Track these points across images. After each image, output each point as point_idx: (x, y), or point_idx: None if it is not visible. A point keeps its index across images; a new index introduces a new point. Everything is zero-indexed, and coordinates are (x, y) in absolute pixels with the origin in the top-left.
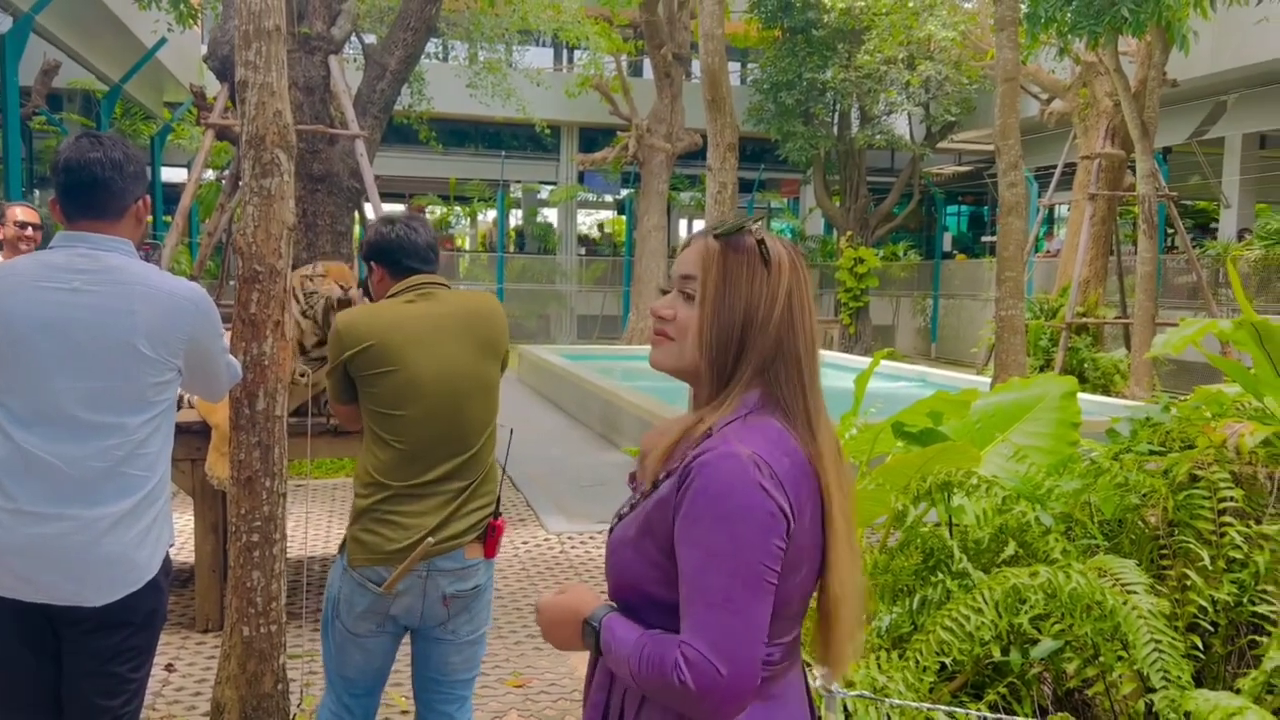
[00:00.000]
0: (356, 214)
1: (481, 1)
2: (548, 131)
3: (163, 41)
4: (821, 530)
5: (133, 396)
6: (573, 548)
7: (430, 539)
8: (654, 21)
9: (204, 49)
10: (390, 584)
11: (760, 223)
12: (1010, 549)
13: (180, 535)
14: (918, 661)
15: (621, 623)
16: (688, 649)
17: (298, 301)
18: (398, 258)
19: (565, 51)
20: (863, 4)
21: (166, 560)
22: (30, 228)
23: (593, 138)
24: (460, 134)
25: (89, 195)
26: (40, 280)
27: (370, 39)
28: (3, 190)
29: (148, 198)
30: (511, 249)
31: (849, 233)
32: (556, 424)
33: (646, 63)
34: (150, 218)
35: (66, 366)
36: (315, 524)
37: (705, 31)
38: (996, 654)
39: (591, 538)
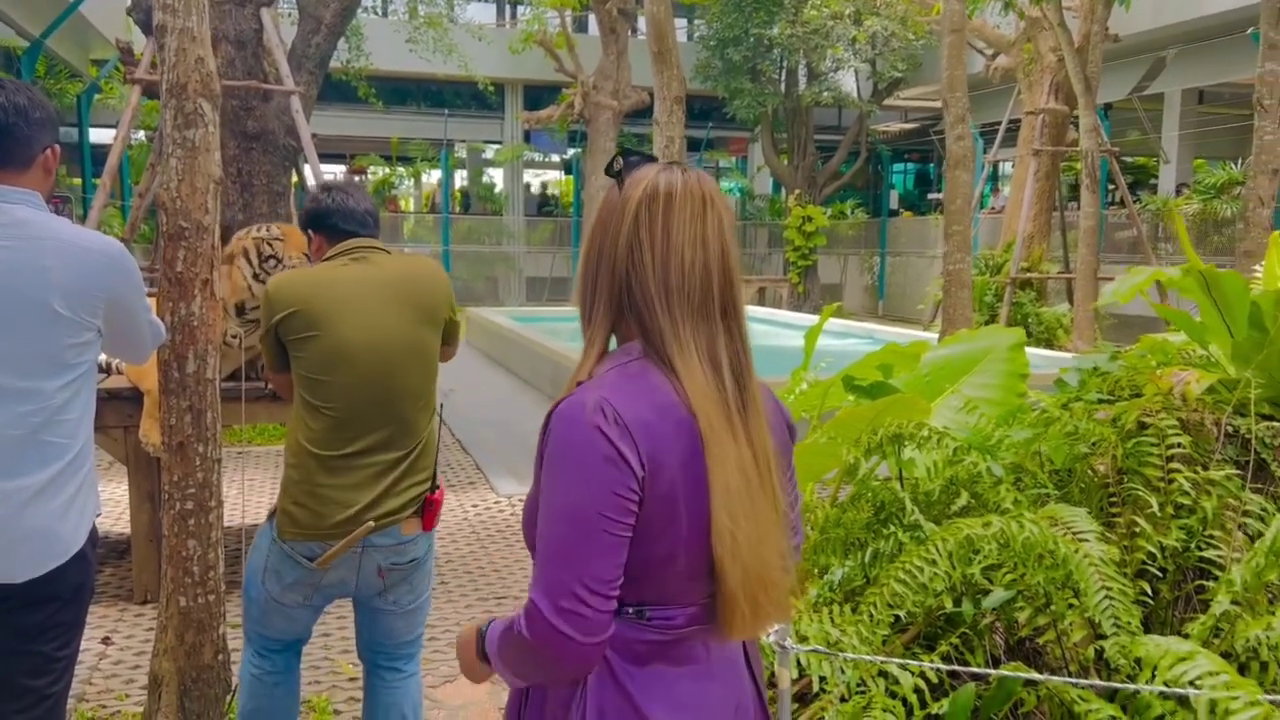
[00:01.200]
0: (294, 174)
1: None
2: (491, 89)
3: None
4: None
5: (48, 359)
6: (521, 509)
7: (371, 522)
8: None
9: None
10: (324, 561)
11: (658, 161)
12: (962, 500)
13: (116, 505)
14: (871, 615)
15: (501, 621)
16: (528, 602)
17: (249, 263)
18: (334, 222)
19: (509, 7)
20: None
21: (93, 531)
22: None
23: (538, 95)
24: (402, 92)
25: None
26: None
27: None
28: None
29: (56, 147)
30: (457, 210)
31: (797, 191)
32: (506, 387)
33: (591, 18)
34: (68, 173)
35: None
36: (256, 491)
37: None
38: (949, 605)
39: None
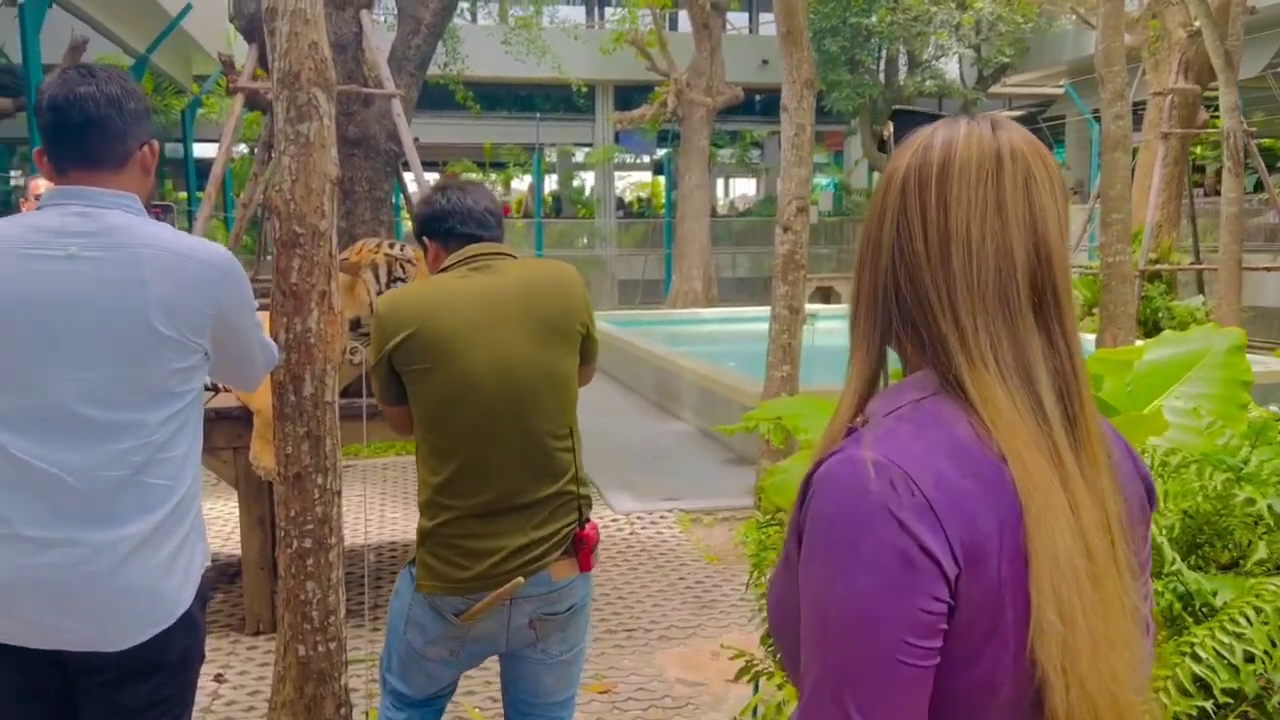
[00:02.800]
0: (395, 179)
1: None
2: (583, 90)
3: (187, 8)
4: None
5: (150, 387)
6: (642, 528)
7: (520, 578)
8: None
9: (229, 8)
10: (469, 617)
11: (936, 117)
12: (1259, 550)
13: (225, 524)
14: (1164, 704)
15: None
16: None
17: (376, 279)
18: (451, 225)
19: (599, 7)
20: None
21: (201, 587)
22: None
23: (628, 96)
24: (493, 97)
25: (82, 138)
26: (26, 247)
27: None
28: (28, 170)
29: (155, 143)
30: (549, 214)
31: None
32: (609, 393)
33: (682, 16)
34: (174, 187)
35: (65, 352)
36: (371, 508)
37: None
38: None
39: (662, 517)
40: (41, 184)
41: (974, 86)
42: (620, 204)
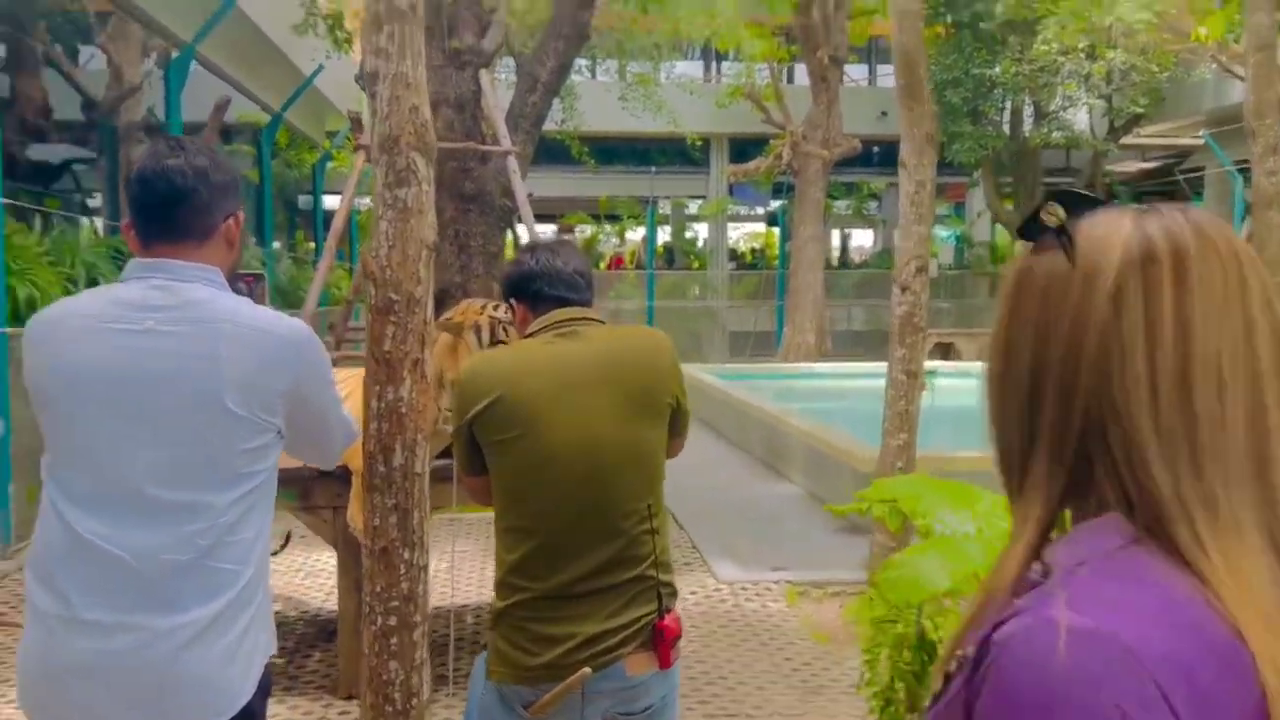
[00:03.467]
0: (509, 235)
1: (634, 10)
2: (698, 143)
3: (320, 69)
4: None
5: (219, 467)
6: (746, 600)
7: (587, 669)
8: (809, 24)
9: (358, 68)
10: (538, 710)
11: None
12: None
13: (328, 580)
14: None
15: None
16: None
17: (479, 341)
18: (539, 287)
19: (715, 63)
20: None
21: (265, 676)
22: None
23: (742, 148)
24: (609, 151)
25: (167, 211)
26: (108, 321)
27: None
28: None
29: (240, 214)
30: (661, 266)
31: None
32: (714, 450)
33: (799, 68)
34: (304, 238)
35: (136, 430)
36: (465, 565)
37: (899, 8)
38: None
39: (767, 589)
40: None
41: (1105, 137)
42: (733, 255)
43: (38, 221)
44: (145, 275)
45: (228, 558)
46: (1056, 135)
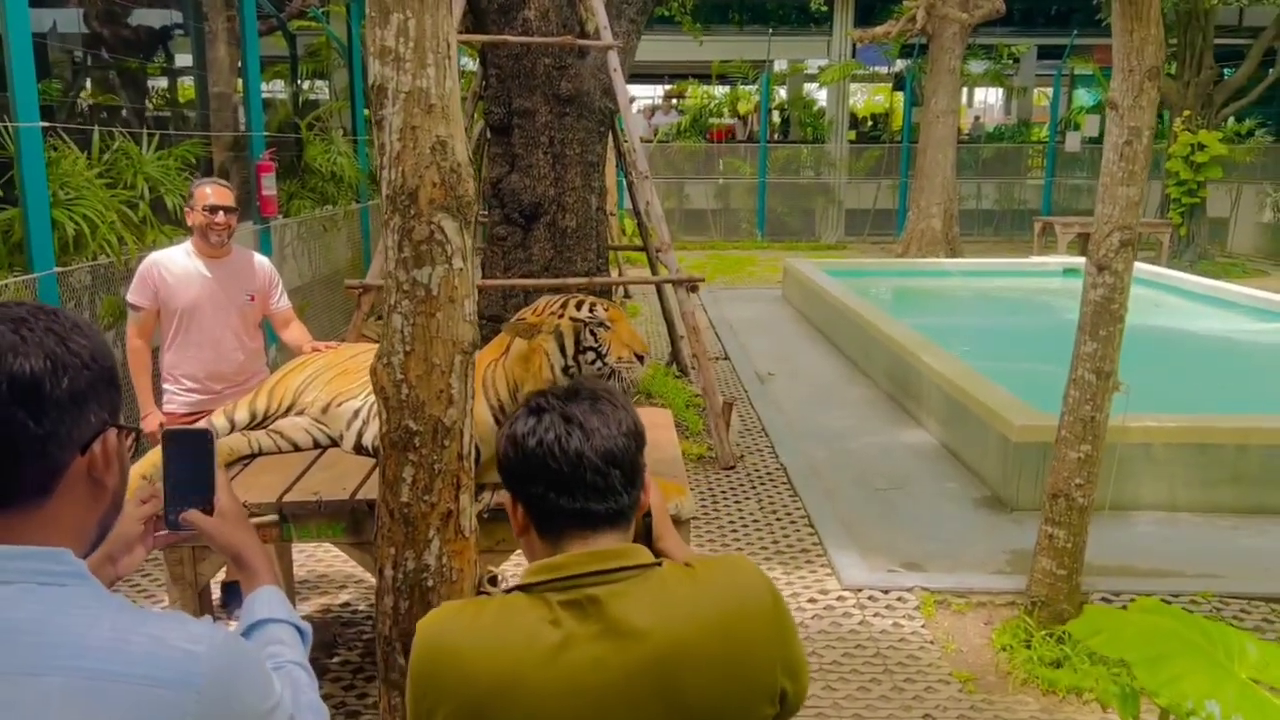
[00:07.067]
0: (610, 139)
1: None
2: (821, 2)
3: None
4: None
5: None
6: (874, 616)
7: None
8: None
9: None
10: None
11: None
12: None
13: None
14: None
15: None
16: None
17: (561, 350)
18: (539, 491)
19: None
20: None
21: None
22: (222, 212)
23: (869, 7)
24: (722, 9)
25: None
26: None
27: None
28: (247, 110)
29: (112, 434)
30: (775, 136)
31: (1186, 113)
32: (830, 371)
33: None
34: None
35: None
36: None
37: None
38: None
39: (900, 599)
40: (209, 191)
41: None
42: (854, 122)
43: (95, 136)
44: None
45: None
46: None
